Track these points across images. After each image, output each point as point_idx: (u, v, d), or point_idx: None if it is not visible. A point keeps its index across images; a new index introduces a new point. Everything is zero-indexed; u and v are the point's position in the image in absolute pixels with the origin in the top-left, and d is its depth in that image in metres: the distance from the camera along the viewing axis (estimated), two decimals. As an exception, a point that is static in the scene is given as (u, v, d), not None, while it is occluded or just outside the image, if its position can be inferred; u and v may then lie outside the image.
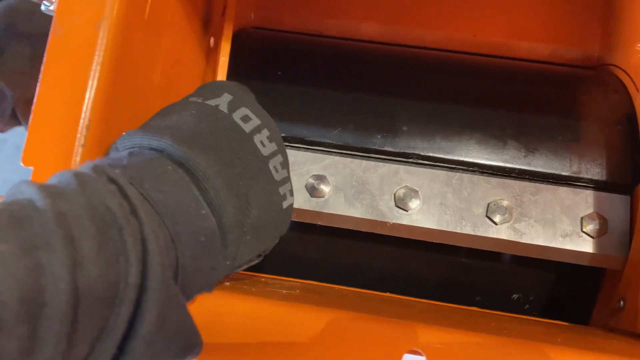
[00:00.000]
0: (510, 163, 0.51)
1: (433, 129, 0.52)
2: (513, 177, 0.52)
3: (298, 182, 0.51)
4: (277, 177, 0.36)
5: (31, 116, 0.33)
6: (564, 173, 0.51)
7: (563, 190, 0.51)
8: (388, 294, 0.53)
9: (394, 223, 0.51)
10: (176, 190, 0.30)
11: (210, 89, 0.38)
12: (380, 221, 0.51)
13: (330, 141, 0.53)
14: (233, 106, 0.36)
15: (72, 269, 0.21)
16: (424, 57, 0.59)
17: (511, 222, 0.50)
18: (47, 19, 0.34)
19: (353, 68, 0.57)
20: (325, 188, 0.52)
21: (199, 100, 0.36)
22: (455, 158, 0.52)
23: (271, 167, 0.36)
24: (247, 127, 0.36)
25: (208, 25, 0.53)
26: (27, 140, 0.32)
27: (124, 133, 0.34)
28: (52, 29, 0.34)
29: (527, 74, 0.59)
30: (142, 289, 0.24)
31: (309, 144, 0.53)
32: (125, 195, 0.27)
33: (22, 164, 0.32)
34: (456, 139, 0.52)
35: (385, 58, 0.59)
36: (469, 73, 0.57)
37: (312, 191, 0.52)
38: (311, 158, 0.53)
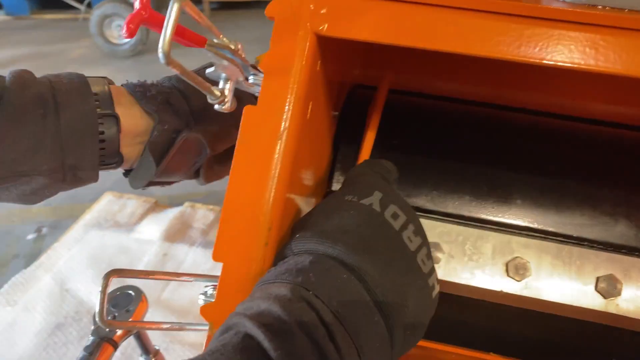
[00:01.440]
0: (620, 240, 0.54)
1: (546, 203, 0.55)
2: (623, 252, 0.54)
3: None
4: (425, 269, 0.39)
5: (221, 215, 0.37)
6: (675, 252, 0.53)
7: (672, 267, 0.53)
8: (492, 356, 0.56)
9: (506, 292, 0.54)
10: (355, 301, 0.34)
11: (363, 186, 0.42)
12: (492, 290, 0.54)
13: (445, 210, 0.56)
14: (384, 204, 0.39)
15: None
16: (532, 123, 0.62)
17: (620, 296, 0.53)
18: None
19: (465, 135, 0.60)
20: (439, 255, 0.55)
21: (355, 200, 0.40)
22: (566, 232, 0.54)
23: (419, 261, 0.39)
24: (397, 225, 0.39)
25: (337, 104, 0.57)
26: (217, 238, 0.37)
27: (297, 235, 0.38)
28: (239, 138, 0.38)
29: (636, 144, 0.60)
30: None
31: (424, 212, 0.57)
32: (323, 322, 0.32)
33: (212, 260, 0.37)
34: (568, 213, 0.54)
35: (495, 123, 0.62)
36: (579, 143, 0.59)
37: (426, 257, 0.55)
38: (425, 225, 0.56)
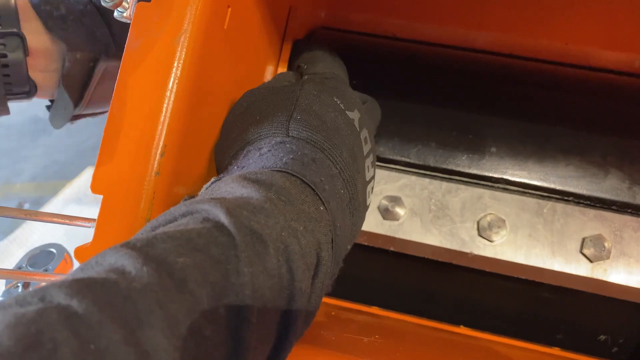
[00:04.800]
0: (611, 194, 0.46)
1: (525, 152, 0.47)
2: (613, 210, 0.46)
3: (371, 203, 0.47)
4: (368, 201, 0.39)
5: (103, 136, 0.30)
6: (673, 209, 0.45)
7: (671, 228, 0.45)
8: (462, 329, 0.49)
9: (475, 254, 0.46)
10: (344, 229, 0.32)
11: (347, 95, 0.39)
12: (460, 251, 0.46)
13: (408, 159, 0.48)
14: (361, 125, 0.38)
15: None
16: (514, 67, 0.53)
17: (609, 260, 0.45)
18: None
19: (435, 78, 0.52)
20: (400, 211, 0.47)
21: (342, 107, 0.37)
22: (549, 186, 0.46)
23: (368, 190, 0.38)
24: (365, 149, 0.38)
25: (285, 34, 0.49)
26: (96, 166, 0.30)
27: (297, 116, 0.34)
28: (127, 41, 0.30)
29: (631, 91, 0.52)
30: None
31: (384, 162, 0.49)
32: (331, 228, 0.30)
33: (91, 192, 0.30)
34: (551, 164, 0.47)
35: (470, 67, 0.53)
36: (566, 88, 0.51)
37: (385, 213, 0.48)
38: (385, 177, 0.49)
